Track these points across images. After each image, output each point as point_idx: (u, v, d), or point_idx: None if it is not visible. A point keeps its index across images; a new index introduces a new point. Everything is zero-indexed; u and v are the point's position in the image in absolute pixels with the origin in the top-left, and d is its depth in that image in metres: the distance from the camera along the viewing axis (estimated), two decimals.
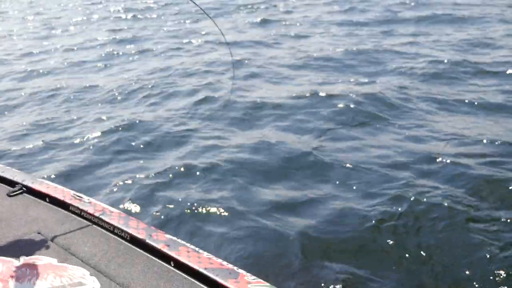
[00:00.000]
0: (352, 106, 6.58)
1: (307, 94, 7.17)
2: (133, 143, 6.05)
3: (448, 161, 4.92)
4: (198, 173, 5.07)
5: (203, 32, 12.73)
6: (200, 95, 7.61)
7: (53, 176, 5.17)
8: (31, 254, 2.19)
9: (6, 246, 2.25)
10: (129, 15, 16.42)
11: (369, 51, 9.34)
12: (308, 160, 5.19)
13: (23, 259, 2.16)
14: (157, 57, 10.61)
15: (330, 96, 7.00)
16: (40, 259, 2.16)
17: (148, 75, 9.14)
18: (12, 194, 2.68)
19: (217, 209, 4.36)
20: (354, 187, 4.61)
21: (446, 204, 4.16)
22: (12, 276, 2.04)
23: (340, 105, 6.65)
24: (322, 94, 7.11)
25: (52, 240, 2.30)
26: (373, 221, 4.02)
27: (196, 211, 4.36)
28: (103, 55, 11.19)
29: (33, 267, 2.11)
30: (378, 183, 4.62)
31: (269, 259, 3.66)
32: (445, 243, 3.77)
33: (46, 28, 15.53)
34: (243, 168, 5.09)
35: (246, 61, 9.36)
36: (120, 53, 11.18)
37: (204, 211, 4.36)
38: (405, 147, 5.37)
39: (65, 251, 2.22)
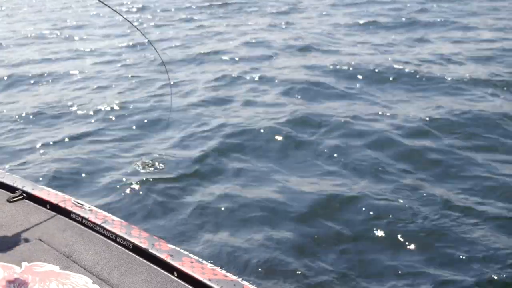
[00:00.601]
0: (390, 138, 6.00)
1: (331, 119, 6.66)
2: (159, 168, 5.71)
3: None
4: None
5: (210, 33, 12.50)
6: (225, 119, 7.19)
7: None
8: (32, 261, 2.18)
9: (7, 252, 2.23)
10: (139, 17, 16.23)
11: (396, 63, 8.87)
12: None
13: (25, 266, 2.14)
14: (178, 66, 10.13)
15: (364, 124, 6.40)
16: (42, 266, 2.15)
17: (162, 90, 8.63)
18: (12, 200, 2.67)
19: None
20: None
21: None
22: (14, 283, 2.03)
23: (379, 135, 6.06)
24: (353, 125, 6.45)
25: (53, 247, 2.28)
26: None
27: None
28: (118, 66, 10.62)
29: (35, 274, 2.10)
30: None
31: (274, 273, 3.67)
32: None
33: (56, 31, 15.09)
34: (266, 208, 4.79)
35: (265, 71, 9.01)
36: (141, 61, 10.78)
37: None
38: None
39: (67, 258, 2.21)
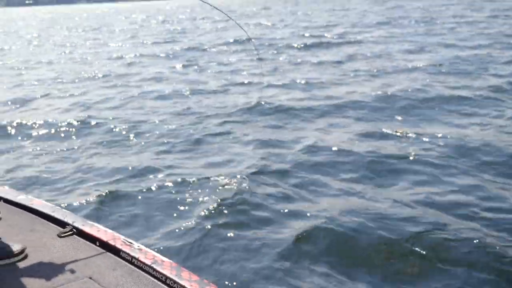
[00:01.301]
0: None
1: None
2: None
3: None
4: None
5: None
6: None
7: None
8: None
9: None
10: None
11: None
12: None
13: None
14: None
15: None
16: None
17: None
18: (63, 235, 2.68)
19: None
20: None
21: None
22: None
23: None
24: None
25: (104, 286, 2.26)
26: None
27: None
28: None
29: None
30: None
31: None
32: None
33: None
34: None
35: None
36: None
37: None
38: None
39: None
